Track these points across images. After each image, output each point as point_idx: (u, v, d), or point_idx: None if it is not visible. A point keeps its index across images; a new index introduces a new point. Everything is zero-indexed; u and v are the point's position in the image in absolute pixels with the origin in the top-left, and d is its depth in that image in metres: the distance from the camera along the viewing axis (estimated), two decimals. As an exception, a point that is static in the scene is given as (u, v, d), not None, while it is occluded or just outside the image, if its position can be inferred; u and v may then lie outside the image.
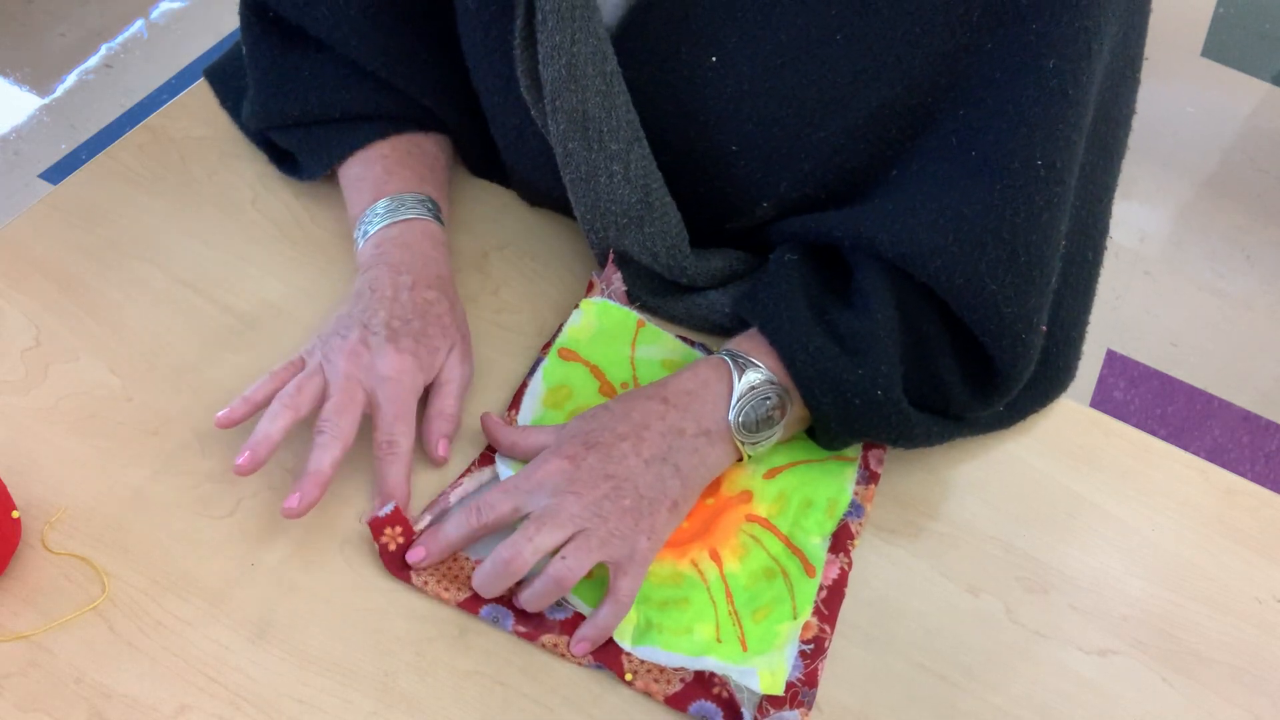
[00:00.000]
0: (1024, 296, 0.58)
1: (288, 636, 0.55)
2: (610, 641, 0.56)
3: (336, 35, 0.69)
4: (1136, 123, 0.64)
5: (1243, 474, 0.93)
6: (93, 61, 2.05)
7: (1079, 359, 0.67)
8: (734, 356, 0.60)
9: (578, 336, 0.68)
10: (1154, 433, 0.90)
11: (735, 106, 0.61)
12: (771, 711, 0.53)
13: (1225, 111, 2.23)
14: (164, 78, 2.04)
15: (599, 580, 0.56)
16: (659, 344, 0.68)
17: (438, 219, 0.70)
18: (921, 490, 0.65)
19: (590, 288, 0.71)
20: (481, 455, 0.63)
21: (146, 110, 1.97)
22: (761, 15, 0.59)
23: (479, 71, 0.69)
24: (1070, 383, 0.67)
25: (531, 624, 0.56)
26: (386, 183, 0.69)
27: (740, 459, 0.61)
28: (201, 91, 0.82)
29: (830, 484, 0.63)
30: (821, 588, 0.58)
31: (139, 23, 2.13)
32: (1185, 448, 0.76)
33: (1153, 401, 1.72)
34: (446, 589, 0.57)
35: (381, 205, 0.68)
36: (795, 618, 0.56)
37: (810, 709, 0.54)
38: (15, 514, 0.56)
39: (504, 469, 0.61)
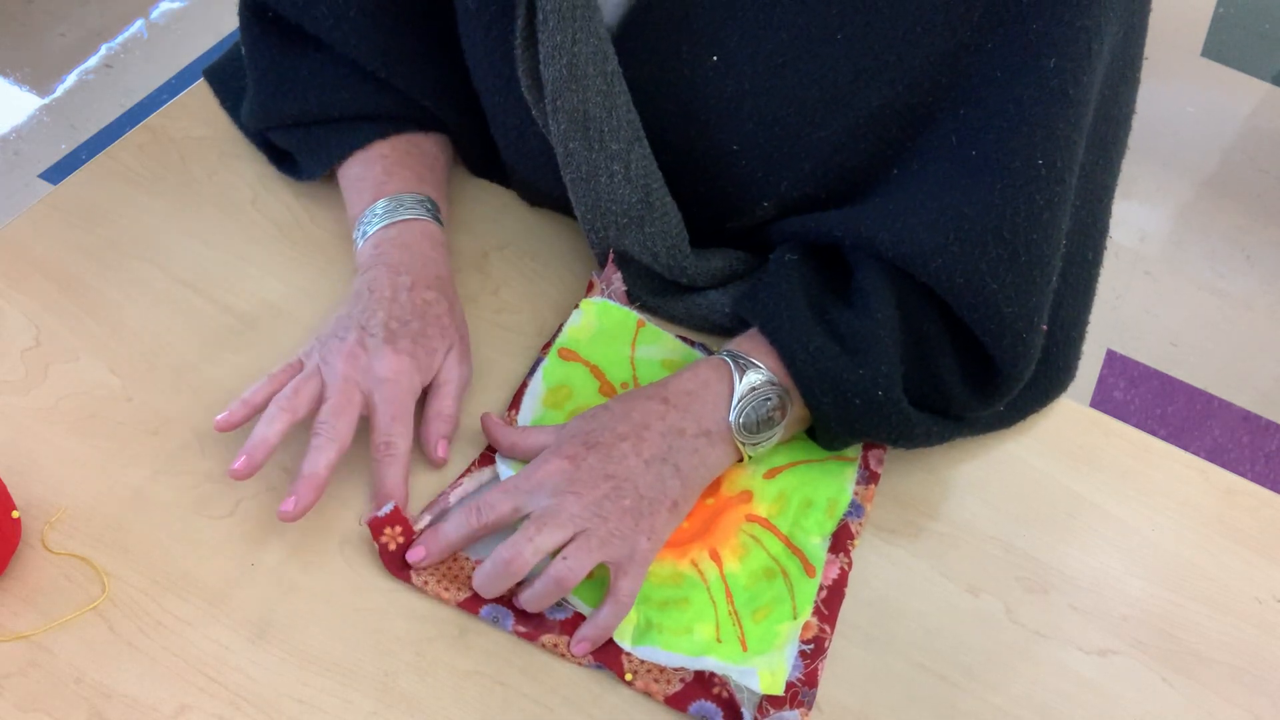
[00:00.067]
0: (1024, 296, 0.58)
1: (288, 636, 0.55)
2: (610, 641, 0.56)
3: (336, 35, 0.69)
4: (1136, 123, 0.64)
5: (1243, 474, 0.93)
6: (93, 61, 2.05)
7: (1079, 359, 0.67)
8: (734, 357, 0.60)
9: (578, 336, 0.68)
10: (1154, 433, 0.90)
11: (736, 106, 0.61)
12: (771, 711, 0.53)
13: (1225, 111, 2.23)
14: (164, 78, 2.04)
15: (599, 580, 0.56)
16: (659, 344, 0.68)
17: (437, 219, 0.70)
18: (921, 490, 0.65)
19: (590, 288, 0.71)
20: (481, 455, 0.63)
21: (146, 110, 1.97)
22: (762, 15, 0.59)
23: (479, 71, 0.69)
24: (1070, 383, 0.67)
25: (531, 624, 0.56)
26: (386, 183, 0.69)
27: (740, 459, 0.61)
28: (201, 91, 0.82)
29: (830, 484, 0.63)
30: (821, 588, 0.58)
31: (139, 23, 2.13)
32: (1185, 448, 0.76)
33: (1153, 401, 1.72)
34: (446, 589, 0.57)
35: (380, 205, 0.68)
36: (795, 618, 0.56)
37: (810, 709, 0.54)
38: (15, 514, 0.56)
39: (504, 469, 0.61)
